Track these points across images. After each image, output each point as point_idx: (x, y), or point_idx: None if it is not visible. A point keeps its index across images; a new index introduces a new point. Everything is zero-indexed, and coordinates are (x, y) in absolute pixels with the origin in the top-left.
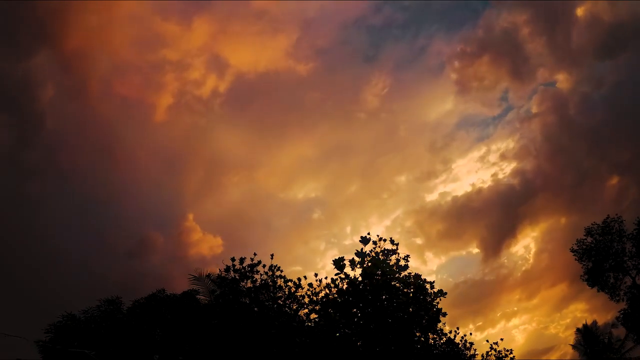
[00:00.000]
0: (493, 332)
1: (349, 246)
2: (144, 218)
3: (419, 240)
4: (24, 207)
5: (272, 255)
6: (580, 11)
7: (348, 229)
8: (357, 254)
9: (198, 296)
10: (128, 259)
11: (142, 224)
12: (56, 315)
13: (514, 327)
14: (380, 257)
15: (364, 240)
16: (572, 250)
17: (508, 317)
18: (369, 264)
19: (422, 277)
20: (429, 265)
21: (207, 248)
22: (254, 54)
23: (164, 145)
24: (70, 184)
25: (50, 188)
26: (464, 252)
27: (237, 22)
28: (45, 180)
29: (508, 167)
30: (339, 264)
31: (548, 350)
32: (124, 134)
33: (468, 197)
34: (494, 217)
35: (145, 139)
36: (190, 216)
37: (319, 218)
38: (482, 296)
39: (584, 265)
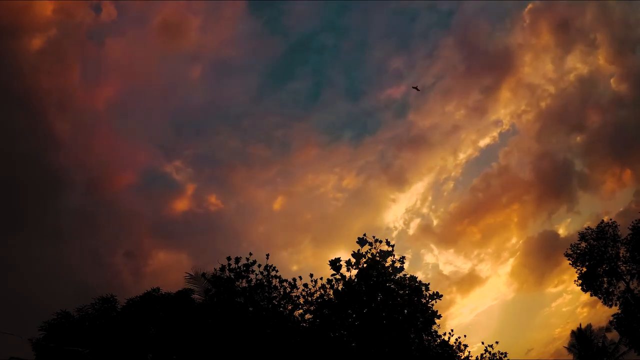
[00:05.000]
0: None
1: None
2: None
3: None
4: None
5: (267, 255)
6: None
7: None
8: (354, 255)
9: (193, 295)
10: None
11: None
12: (50, 313)
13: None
14: (377, 258)
15: (361, 242)
16: (566, 255)
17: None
18: (365, 265)
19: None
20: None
21: None
22: None
23: None
24: None
25: None
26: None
27: None
28: None
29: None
30: (335, 264)
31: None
32: None
33: None
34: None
35: None
36: None
37: None
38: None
39: (578, 269)
